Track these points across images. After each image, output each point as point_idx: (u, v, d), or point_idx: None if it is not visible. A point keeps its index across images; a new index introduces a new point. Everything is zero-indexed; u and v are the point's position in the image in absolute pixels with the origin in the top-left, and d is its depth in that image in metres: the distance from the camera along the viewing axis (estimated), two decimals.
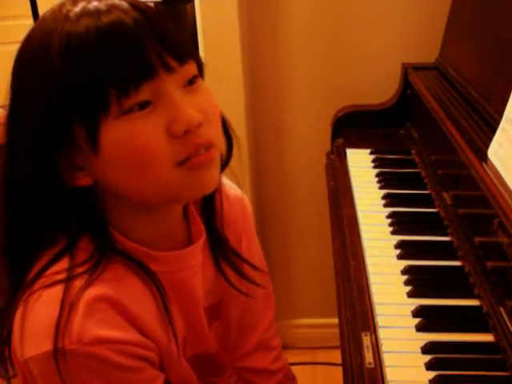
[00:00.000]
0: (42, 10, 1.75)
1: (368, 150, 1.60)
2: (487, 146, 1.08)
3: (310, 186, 1.96)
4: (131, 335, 0.74)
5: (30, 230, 0.78)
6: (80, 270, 0.74)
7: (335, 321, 1.18)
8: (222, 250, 0.91)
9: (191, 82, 0.75)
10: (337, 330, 1.11)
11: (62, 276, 0.73)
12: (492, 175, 1.01)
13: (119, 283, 0.76)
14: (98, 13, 0.71)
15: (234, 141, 0.87)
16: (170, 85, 0.72)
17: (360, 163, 1.53)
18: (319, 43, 1.85)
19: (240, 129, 1.82)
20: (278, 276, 2.14)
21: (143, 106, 0.71)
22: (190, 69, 0.75)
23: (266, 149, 1.98)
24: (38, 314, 0.72)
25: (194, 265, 0.85)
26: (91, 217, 0.77)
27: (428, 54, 1.68)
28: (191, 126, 0.72)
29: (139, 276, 0.78)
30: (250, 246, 1.00)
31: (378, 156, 1.56)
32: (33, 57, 0.73)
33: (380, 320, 0.97)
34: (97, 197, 0.77)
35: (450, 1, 1.61)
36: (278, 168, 2.01)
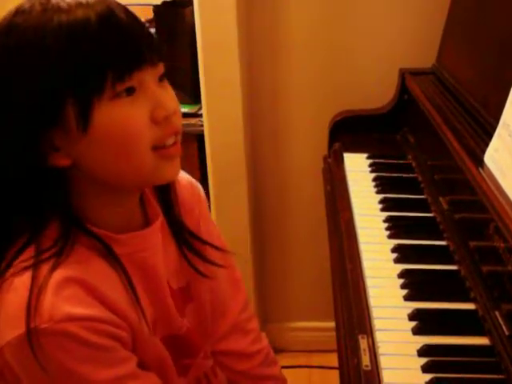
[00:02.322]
0: None
1: (365, 155, 1.61)
2: (483, 151, 1.09)
3: (308, 190, 1.97)
4: (101, 313, 0.77)
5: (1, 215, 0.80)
6: (46, 255, 0.76)
7: (331, 324, 1.19)
8: (181, 234, 0.94)
9: (161, 78, 0.81)
10: (332, 334, 1.12)
11: (30, 262, 0.76)
12: (488, 180, 1.02)
13: (85, 265, 0.78)
14: (90, 4, 0.75)
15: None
16: (151, 77, 0.79)
17: (357, 167, 1.54)
18: (317, 48, 1.85)
19: (237, 132, 1.84)
20: (275, 279, 2.15)
21: (130, 91, 0.76)
22: (162, 67, 0.81)
23: (263, 152, 1.99)
24: (9, 301, 0.75)
25: (153, 245, 0.88)
26: (61, 201, 0.79)
27: (425, 59, 1.70)
28: (171, 112, 0.79)
29: (104, 258, 0.81)
30: (209, 229, 1.03)
31: (375, 161, 1.57)
32: (25, 43, 0.74)
33: (377, 323, 0.98)
34: (67, 180, 0.79)
35: (447, 7, 1.63)
36: (275, 172, 2.01)
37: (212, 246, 0.98)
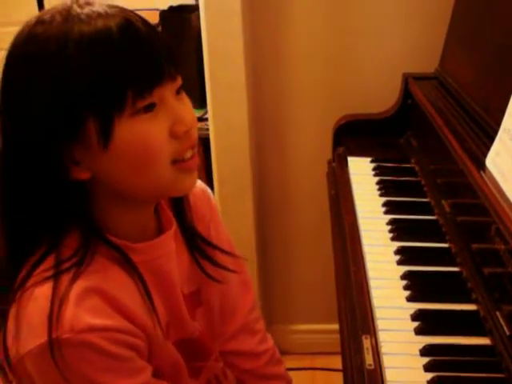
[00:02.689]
0: None
1: (369, 159, 1.62)
2: (485, 155, 1.11)
3: (312, 193, 1.99)
4: (120, 323, 0.78)
5: (23, 226, 0.81)
6: (67, 265, 0.77)
7: (334, 326, 1.21)
8: (193, 240, 0.96)
9: (178, 91, 0.82)
10: (336, 336, 1.14)
11: (50, 273, 0.77)
12: (489, 183, 1.03)
13: (104, 274, 0.80)
14: (110, 15, 0.76)
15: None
16: (170, 91, 0.79)
17: (361, 171, 1.56)
18: (322, 53, 1.87)
19: (243, 136, 1.86)
20: (279, 281, 2.16)
21: (150, 108, 0.77)
22: (180, 80, 0.82)
23: (268, 156, 2.01)
24: (31, 311, 0.76)
25: (167, 252, 0.89)
26: (81, 212, 0.80)
27: (428, 64, 1.71)
28: (190, 127, 0.80)
29: (122, 267, 0.82)
30: (219, 234, 1.05)
31: (379, 164, 1.59)
32: (47, 52, 0.74)
33: (380, 323, 1.00)
34: (87, 192, 0.80)
35: (450, 12, 1.64)
36: (280, 175, 2.03)
37: (223, 251, 1.00)
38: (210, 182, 1.90)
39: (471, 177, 1.10)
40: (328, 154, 1.80)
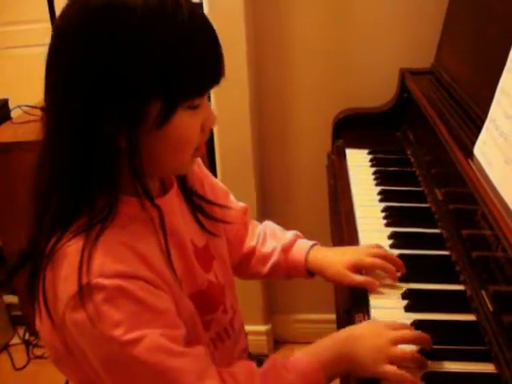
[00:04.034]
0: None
1: (366, 151, 1.68)
2: (474, 145, 1.16)
3: (313, 186, 2.04)
4: (146, 273, 0.83)
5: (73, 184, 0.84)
6: (94, 221, 0.83)
7: (333, 316, 1.26)
8: (192, 199, 1.04)
9: None
10: (335, 326, 1.19)
11: (81, 229, 0.82)
12: (477, 171, 1.09)
13: (129, 229, 0.85)
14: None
15: None
16: None
17: (358, 162, 1.62)
18: (322, 51, 1.93)
19: (245, 130, 1.91)
20: None
21: (198, 106, 0.86)
22: None
23: (270, 149, 2.07)
24: (64, 266, 0.81)
25: (173, 208, 0.97)
26: (111, 175, 0.84)
27: (426, 59, 1.76)
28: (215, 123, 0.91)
29: (142, 223, 0.88)
30: (213, 188, 1.16)
31: (376, 156, 1.64)
32: (153, 14, 0.78)
33: (372, 301, 1.06)
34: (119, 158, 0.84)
35: (445, 9, 1.70)
36: (282, 169, 2.09)
37: (219, 205, 1.10)
38: (213, 176, 1.95)
39: (460, 165, 1.15)
40: (329, 147, 1.86)
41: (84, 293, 0.78)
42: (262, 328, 2.23)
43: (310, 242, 1.22)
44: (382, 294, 1.07)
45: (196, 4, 0.85)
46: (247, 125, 1.91)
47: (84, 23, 0.79)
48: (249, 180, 1.97)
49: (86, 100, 0.79)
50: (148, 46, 0.78)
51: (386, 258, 1.11)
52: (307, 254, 1.19)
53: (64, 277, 0.80)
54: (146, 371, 0.80)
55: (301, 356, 0.94)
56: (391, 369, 0.89)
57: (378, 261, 1.10)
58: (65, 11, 0.82)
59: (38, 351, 2.36)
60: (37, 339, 2.38)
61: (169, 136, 0.84)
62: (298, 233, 1.27)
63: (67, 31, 0.81)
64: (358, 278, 1.09)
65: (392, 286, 1.09)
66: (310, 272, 1.20)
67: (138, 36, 0.78)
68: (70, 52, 0.80)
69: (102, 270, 0.79)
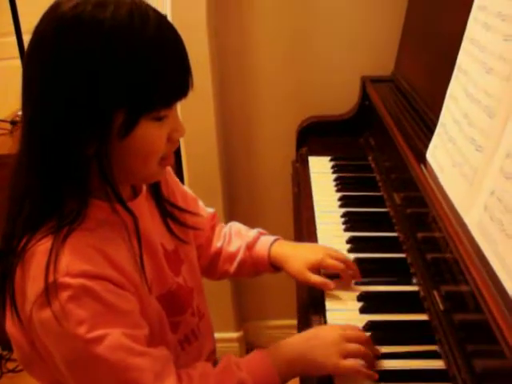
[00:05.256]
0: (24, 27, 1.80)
1: (329, 157, 1.72)
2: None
3: (279, 194, 2.06)
4: (112, 274, 0.85)
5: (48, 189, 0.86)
6: (63, 224, 0.84)
7: None
8: (163, 205, 1.06)
9: None
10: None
11: (50, 231, 0.84)
12: (428, 175, 1.12)
13: (97, 232, 0.87)
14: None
15: None
16: None
17: (320, 169, 1.65)
18: (286, 62, 1.95)
19: (211, 139, 1.93)
20: (250, 280, 2.22)
21: (164, 117, 0.87)
22: None
23: (236, 159, 2.09)
24: (32, 266, 0.83)
25: (144, 211, 0.99)
26: (81, 180, 0.86)
27: (388, 67, 1.80)
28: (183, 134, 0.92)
29: (112, 227, 0.90)
30: (184, 196, 1.18)
31: (338, 162, 1.68)
32: (121, 29, 0.81)
33: (328, 304, 1.08)
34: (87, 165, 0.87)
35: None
36: (248, 175, 2.11)
37: (189, 212, 1.11)
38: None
39: (413, 170, 1.18)
40: (293, 155, 1.88)
41: (50, 291, 0.80)
42: (234, 335, 2.25)
43: (273, 238, 1.25)
44: (338, 297, 1.10)
45: (165, 16, 0.88)
46: (213, 133, 1.93)
47: (53, 36, 0.81)
48: (215, 188, 1.99)
49: (54, 110, 0.82)
50: (114, 58, 0.80)
51: (345, 262, 1.14)
52: (270, 248, 1.22)
53: (32, 276, 0.82)
54: (107, 369, 0.82)
55: (255, 353, 0.96)
56: (347, 363, 0.92)
57: (339, 264, 1.13)
58: (38, 24, 0.84)
59: (10, 365, 2.35)
60: (9, 353, 2.37)
61: (133, 146, 0.86)
62: (262, 230, 1.29)
63: (38, 43, 0.83)
64: (315, 278, 1.11)
65: (348, 289, 1.11)
66: (275, 266, 1.22)
67: (104, 48, 0.80)
68: (40, 64, 0.83)
69: (69, 269, 0.81)
